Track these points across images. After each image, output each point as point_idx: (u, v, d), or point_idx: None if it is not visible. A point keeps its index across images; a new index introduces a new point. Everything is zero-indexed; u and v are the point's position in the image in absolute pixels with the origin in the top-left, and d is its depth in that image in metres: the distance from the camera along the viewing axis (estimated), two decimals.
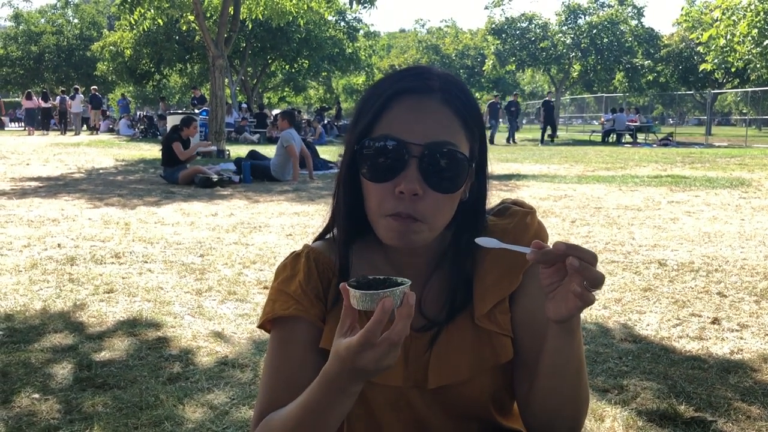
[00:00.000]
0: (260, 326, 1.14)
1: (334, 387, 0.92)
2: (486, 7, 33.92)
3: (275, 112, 29.30)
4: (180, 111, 21.25)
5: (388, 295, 0.84)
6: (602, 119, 32.20)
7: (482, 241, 0.96)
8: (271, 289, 1.14)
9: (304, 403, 0.96)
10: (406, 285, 0.86)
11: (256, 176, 10.14)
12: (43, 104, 27.59)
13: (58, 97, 27.89)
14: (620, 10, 31.36)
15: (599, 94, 37.64)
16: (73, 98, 26.85)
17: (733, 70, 23.55)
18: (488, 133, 27.83)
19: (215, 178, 9.50)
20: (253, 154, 11.47)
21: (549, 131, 24.64)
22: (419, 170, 0.98)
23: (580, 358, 1.01)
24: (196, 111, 19.68)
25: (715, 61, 22.68)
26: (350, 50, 32.27)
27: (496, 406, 1.13)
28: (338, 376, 0.90)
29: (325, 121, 27.57)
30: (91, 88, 29.87)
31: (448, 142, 0.99)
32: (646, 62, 32.70)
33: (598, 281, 0.89)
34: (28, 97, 27.39)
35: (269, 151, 11.97)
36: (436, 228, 1.03)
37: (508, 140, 24.18)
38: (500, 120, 25.73)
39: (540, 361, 1.02)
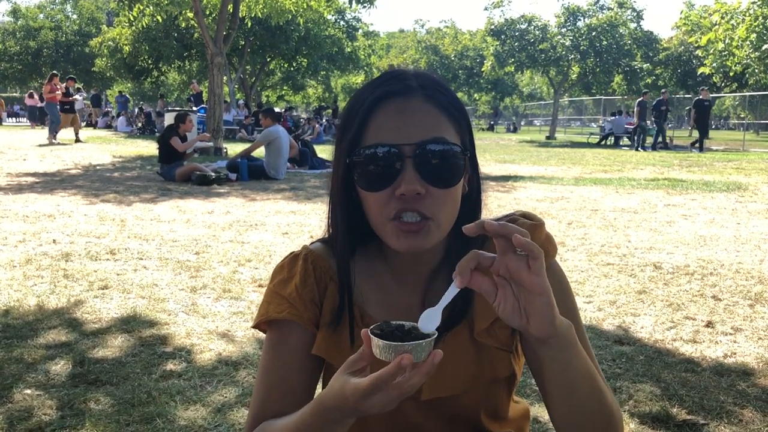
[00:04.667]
0: (255, 327, 1.14)
1: (330, 418, 0.90)
2: (485, 8, 33.89)
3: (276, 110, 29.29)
4: (177, 108, 21.22)
5: (410, 350, 0.80)
6: (600, 121, 32.26)
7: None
8: (267, 289, 1.13)
9: (296, 425, 0.96)
10: (432, 338, 0.82)
11: (252, 175, 10.14)
12: (40, 103, 29.13)
13: None
14: (619, 13, 31.32)
15: (598, 97, 37.67)
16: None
17: (731, 74, 23.59)
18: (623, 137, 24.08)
19: (212, 175, 9.50)
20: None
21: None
22: (416, 170, 0.96)
23: (588, 374, 0.96)
24: (194, 108, 19.66)
25: (714, 65, 22.72)
26: (349, 49, 32.28)
27: (490, 414, 1.12)
28: (336, 410, 0.88)
29: (324, 120, 27.56)
30: (93, 88, 31.41)
31: (438, 137, 0.98)
32: (645, 65, 32.70)
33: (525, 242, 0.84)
34: (30, 96, 29.76)
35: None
36: (444, 226, 1.01)
37: (654, 146, 20.66)
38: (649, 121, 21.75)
39: (546, 384, 0.97)
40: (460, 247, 1.07)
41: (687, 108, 22.78)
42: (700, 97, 20.50)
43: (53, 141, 17.20)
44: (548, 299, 0.87)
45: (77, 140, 17.95)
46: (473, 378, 1.06)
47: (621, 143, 24.74)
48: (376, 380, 0.81)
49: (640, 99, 21.86)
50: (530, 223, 1.11)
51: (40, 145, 16.46)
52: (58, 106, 17.54)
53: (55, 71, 19.52)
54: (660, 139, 21.12)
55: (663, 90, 24.47)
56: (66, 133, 17.91)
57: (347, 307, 1.08)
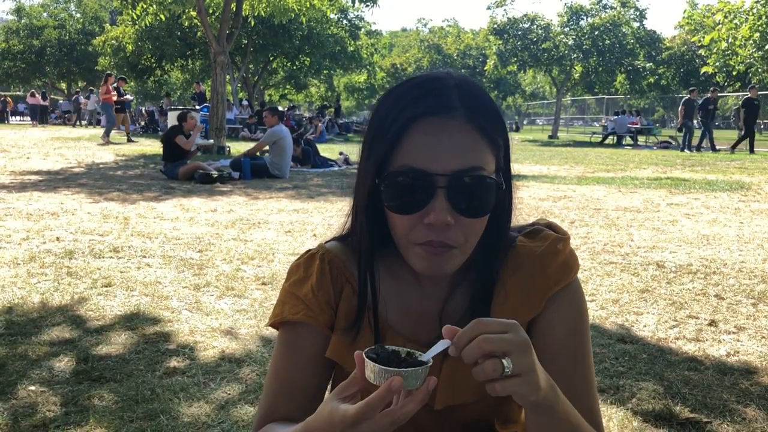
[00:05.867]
0: (269, 325, 1.13)
1: None
2: (488, 8, 33.87)
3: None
4: (180, 107, 21.23)
5: (405, 376, 0.78)
6: (603, 121, 32.20)
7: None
8: (282, 289, 1.12)
9: None
10: (428, 366, 0.81)
11: (255, 174, 10.16)
12: (42, 101, 31.30)
13: (74, 96, 32.90)
14: (622, 12, 31.27)
15: (600, 96, 37.62)
16: (87, 98, 30.84)
17: (734, 73, 23.46)
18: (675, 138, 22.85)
19: (215, 174, 9.51)
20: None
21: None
22: (448, 200, 0.92)
23: (569, 425, 0.92)
24: (197, 107, 19.69)
25: (717, 64, 22.59)
26: (352, 48, 32.25)
27: (501, 419, 1.11)
28: None
29: (327, 119, 27.58)
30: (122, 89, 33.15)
31: (475, 167, 0.94)
32: (648, 64, 32.64)
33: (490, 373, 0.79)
34: (32, 95, 31.19)
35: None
36: (468, 250, 0.99)
37: (699, 147, 19.56)
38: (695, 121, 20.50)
39: None
40: (482, 257, 1.05)
41: (735, 107, 21.17)
42: (749, 95, 18.88)
43: (108, 141, 17.51)
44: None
45: (129, 140, 18.15)
46: (483, 387, 1.05)
47: (623, 142, 24.72)
48: (365, 406, 0.79)
49: (686, 98, 20.88)
50: (555, 236, 1.08)
51: (100, 144, 16.80)
52: (113, 107, 17.77)
53: (109, 72, 19.67)
54: (705, 139, 19.81)
55: (712, 89, 21.97)
56: (75, 131, 17.94)
57: (367, 311, 1.06)
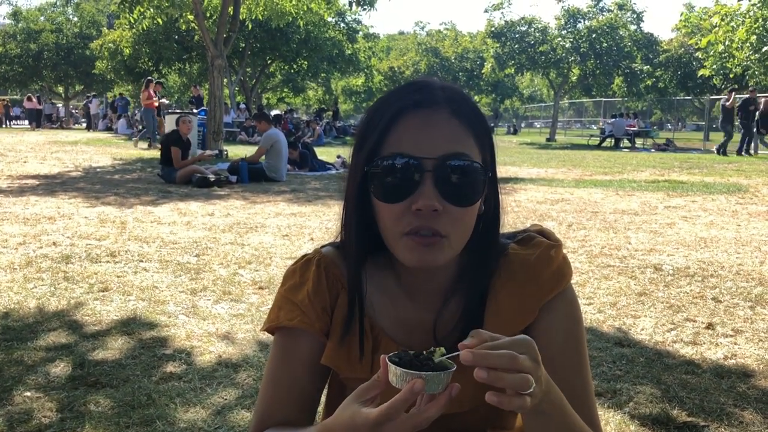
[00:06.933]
0: (264, 330, 1.12)
1: None
2: (486, 11, 33.96)
3: (274, 112, 29.52)
4: (178, 111, 21.20)
5: (428, 379, 0.80)
6: (601, 123, 32.24)
7: None
8: (278, 294, 1.11)
9: None
10: (451, 371, 0.82)
11: (252, 177, 10.15)
12: (38, 106, 31.98)
13: (85, 101, 34.69)
14: (620, 15, 31.31)
15: (598, 99, 37.64)
16: (90, 102, 32.30)
17: (731, 76, 23.49)
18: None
19: (212, 178, 9.50)
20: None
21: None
22: (435, 185, 0.93)
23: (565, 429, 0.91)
24: (194, 111, 19.67)
25: (714, 66, 22.61)
26: (349, 52, 32.28)
27: (496, 426, 1.11)
28: None
29: (324, 122, 27.60)
30: (107, 94, 33.35)
31: (461, 153, 0.95)
32: (645, 67, 32.66)
33: (519, 387, 0.79)
34: (29, 99, 31.93)
35: None
36: (458, 244, 0.98)
37: (742, 150, 18.58)
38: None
39: None
40: (474, 267, 1.04)
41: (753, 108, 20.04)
42: None
43: (154, 145, 17.52)
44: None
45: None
46: (480, 396, 1.04)
47: (621, 145, 24.74)
48: (388, 408, 0.79)
49: (723, 98, 20.11)
50: (547, 243, 1.07)
51: (143, 149, 16.84)
52: (155, 112, 17.75)
53: (150, 77, 19.50)
54: (745, 143, 18.84)
55: (751, 89, 20.31)
56: (63, 134, 17.92)
57: (357, 318, 1.06)
